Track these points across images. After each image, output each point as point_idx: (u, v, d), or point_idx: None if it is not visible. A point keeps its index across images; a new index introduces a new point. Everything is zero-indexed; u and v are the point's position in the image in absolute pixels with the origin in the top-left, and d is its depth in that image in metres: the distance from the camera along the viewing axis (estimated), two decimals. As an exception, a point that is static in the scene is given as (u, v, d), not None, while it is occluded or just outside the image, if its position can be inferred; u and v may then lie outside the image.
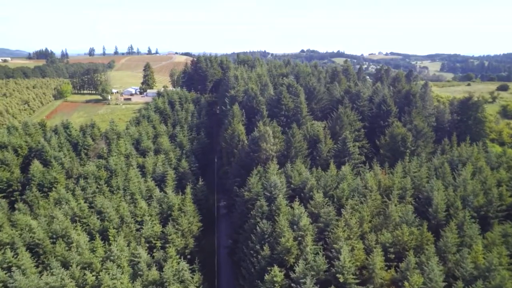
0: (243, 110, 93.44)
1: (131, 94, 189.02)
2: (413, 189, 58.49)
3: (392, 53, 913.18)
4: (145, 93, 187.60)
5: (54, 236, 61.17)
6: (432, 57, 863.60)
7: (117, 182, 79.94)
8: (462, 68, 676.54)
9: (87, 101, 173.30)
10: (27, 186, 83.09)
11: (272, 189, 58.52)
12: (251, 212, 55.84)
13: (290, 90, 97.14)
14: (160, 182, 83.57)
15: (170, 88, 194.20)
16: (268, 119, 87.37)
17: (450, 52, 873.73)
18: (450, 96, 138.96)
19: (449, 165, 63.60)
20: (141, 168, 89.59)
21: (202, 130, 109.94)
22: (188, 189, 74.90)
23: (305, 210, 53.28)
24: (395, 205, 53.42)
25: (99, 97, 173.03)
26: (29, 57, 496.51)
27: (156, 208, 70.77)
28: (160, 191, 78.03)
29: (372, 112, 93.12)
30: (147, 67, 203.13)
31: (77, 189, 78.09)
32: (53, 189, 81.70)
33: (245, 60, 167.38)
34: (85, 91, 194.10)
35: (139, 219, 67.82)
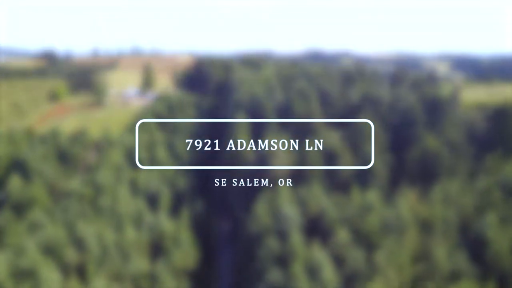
0: (249, 116, 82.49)
1: (131, 97, 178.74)
2: (459, 222, 47.18)
3: (399, 52, 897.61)
4: (145, 95, 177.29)
5: (20, 274, 50.76)
6: (440, 57, 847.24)
7: (103, 202, 69.49)
8: (472, 68, 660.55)
9: (83, 104, 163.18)
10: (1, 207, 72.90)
11: (284, 222, 47.58)
12: (258, 253, 44.86)
13: (301, 95, 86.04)
14: (153, 200, 72.97)
15: (172, 89, 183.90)
16: (277, 127, 76.40)
17: (459, 51, 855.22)
18: (475, 101, 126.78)
19: (500, 190, 52.11)
20: (133, 183, 79.20)
21: (203, 137, 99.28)
22: (185, 212, 64.25)
23: (326, 252, 42.32)
24: (440, 246, 42.21)
25: (96, 99, 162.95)
26: (34, 56, 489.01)
27: (146, 236, 60.23)
28: (153, 213, 67.59)
29: (395, 121, 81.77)
30: (148, 68, 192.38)
31: (57, 211, 67.83)
32: (32, 209, 71.38)
33: (251, 61, 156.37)
34: (82, 93, 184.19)
35: (124, 251, 57.30)
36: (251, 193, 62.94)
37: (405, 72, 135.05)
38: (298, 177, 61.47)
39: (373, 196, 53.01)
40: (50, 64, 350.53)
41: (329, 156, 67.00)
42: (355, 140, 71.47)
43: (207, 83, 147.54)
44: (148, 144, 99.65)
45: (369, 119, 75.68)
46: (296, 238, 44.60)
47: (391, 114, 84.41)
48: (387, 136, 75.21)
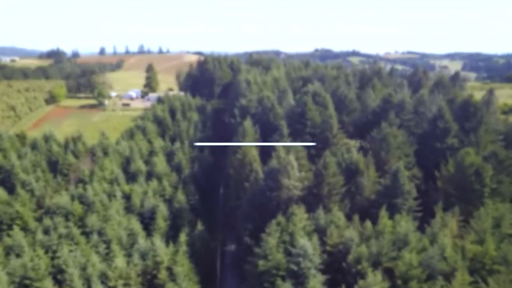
0: (257, 126, 73.65)
1: (132, 98, 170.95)
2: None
3: (409, 52, 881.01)
4: (146, 97, 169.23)
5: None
6: (451, 56, 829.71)
7: (92, 221, 61.30)
8: (486, 67, 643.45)
9: (82, 107, 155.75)
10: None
11: (301, 259, 38.81)
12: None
13: (316, 100, 77.08)
14: (149, 220, 64.65)
15: (176, 91, 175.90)
16: (289, 138, 67.57)
17: (471, 50, 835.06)
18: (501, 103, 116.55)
19: None
20: (128, 198, 71.01)
21: (205, 147, 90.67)
22: (183, 237, 55.73)
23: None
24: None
25: (95, 101, 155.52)
26: (40, 56, 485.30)
27: (138, 266, 51.84)
28: (147, 236, 59.26)
29: (422, 129, 72.39)
30: (150, 68, 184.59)
31: (40, 231, 59.76)
32: (11, 228, 63.39)
33: (259, 61, 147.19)
34: (82, 95, 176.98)
35: (111, 284, 49.00)
36: (260, 215, 54.34)
37: (426, 73, 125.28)
38: (314, 199, 52.57)
39: (406, 225, 43.96)
40: (53, 64, 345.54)
41: (350, 173, 58.00)
42: (378, 152, 62.33)
43: (213, 84, 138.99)
44: (146, 153, 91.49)
45: (393, 127, 66.60)
46: (316, 284, 35.80)
47: (418, 122, 75.13)
48: (415, 149, 65.89)
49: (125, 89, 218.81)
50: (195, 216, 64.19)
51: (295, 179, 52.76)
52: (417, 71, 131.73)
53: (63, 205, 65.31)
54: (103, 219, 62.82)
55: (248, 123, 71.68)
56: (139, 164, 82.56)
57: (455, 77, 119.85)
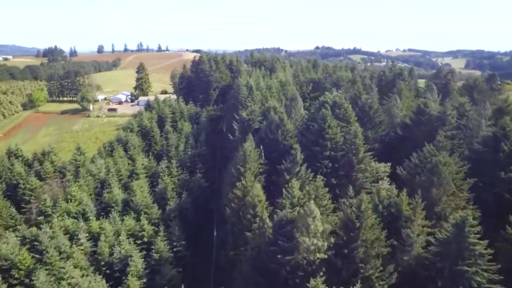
0: (261, 147, 57.59)
1: (120, 102, 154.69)
2: None
3: (410, 50, 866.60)
4: (136, 101, 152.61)
5: None
6: (453, 54, 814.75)
7: (40, 281, 45.51)
8: (490, 65, 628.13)
9: (63, 112, 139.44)
10: None
11: None
12: None
13: (335, 112, 61.10)
14: (119, 276, 48.98)
15: (172, 92, 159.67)
16: (304, 167, 51.70)
17: (473, 48, 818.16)
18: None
19: None
20: (96, 240, 55.28)
21: (198, 167, 74.83)
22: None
23: None
24: None
25: (79, 106, 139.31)
26: (37, 55, 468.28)
27: None
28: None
29: (474, 152, 56.41)
30: (141, 68, 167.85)
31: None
32: None
33: (261, 61, 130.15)
34: (65, 98, 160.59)
35: None
36: (268, 283, 38.76)
37: (452, 74, 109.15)
38: (345, 263, 36.94)
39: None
40: (45, 63, 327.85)
41: (390, 220, 42.26)
42: (424, 187, 46.40)
43: (209, 87, 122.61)
44: (126, 174, 75.80)
45: (442, 151, 50.57)
46: None
47: (465, 142, 59.26)
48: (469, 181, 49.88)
49: (118, 89, 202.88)
50: (179, 272, 48.37)
51: (317, 236, 36.93)
52: (440, 72, 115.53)
53: (4, 254, 49.44)
54: (56, 277, 47.07)
55: (249, 144, 55.57)
56: (115, 192, 66.57)
57: (491, 78, 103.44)
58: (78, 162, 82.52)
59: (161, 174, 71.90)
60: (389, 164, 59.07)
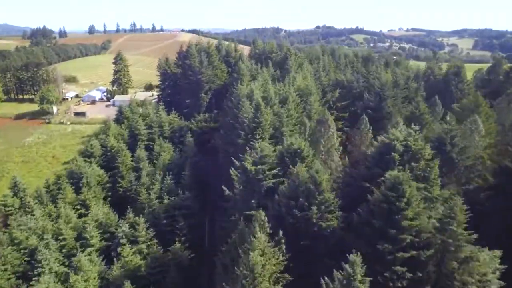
0: (281, 233, 31.88)
1: (93, 101, 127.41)
2: None
3: (414, 29, 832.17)
4: (112, 100, 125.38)
5: None
6: (459, 33, 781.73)
7: None
8: (500, 45, 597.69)
9: (19, 117, 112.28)
10: None
11: None
12: None
13: (404, 164, 35.27)
14: None
15: (154, 92, 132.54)
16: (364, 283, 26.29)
17: (479, 27, 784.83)
18: None
19: None
20: None
21: (178, 227, 49.54)
22: None
23: None
24: None
25: (39, 108, 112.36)
26: (23, 36, 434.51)
27: None
28: None
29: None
30: (119, 58, 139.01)
31: None
32: None
33: (268, 51, 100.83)
34: (26, 96, 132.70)
35: None
36: None
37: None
38: None
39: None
40: (27, 46, 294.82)
41: None
42: None
43: (200, 88, 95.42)
44: (73, 236, 50.63)
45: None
46: None
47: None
48: None
49: (98, 81, 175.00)
50: None
51: None
52: (497, 67, 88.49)
53: None
54: None
55: (260, 235, 30.08)
56: (45, 279, 41.49)
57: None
58: (9, 209, 57.49)
59: (121, 241, 46.75)
60: (497, 251, 33.82)
